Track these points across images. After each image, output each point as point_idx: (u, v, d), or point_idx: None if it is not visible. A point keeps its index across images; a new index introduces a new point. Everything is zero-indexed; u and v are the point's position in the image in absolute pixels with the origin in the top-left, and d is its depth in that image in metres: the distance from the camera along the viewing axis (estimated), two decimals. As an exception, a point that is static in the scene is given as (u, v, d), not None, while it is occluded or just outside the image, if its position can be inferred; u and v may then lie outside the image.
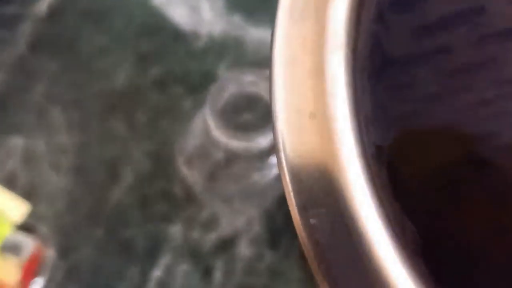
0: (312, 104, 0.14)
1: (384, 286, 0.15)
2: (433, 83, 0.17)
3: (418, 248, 0.16)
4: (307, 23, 0.14)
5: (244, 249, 0.37)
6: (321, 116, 0.14)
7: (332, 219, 0.15)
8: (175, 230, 0.37)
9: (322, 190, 0.14)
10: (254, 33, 0.41)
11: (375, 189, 0.15)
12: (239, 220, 0.38)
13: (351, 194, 0.14)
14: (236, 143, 0.26)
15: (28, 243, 0.35)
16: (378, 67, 0.16)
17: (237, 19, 0.42)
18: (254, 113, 0.29)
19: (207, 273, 0.37)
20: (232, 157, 0.29)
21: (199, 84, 0.40)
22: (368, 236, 0.15)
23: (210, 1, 0.42)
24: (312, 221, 0.14)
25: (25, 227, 0.36)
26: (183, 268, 0.37)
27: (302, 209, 0.15)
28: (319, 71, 0.14)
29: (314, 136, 0.14)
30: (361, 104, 0.15)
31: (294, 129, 0.14)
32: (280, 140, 0.14)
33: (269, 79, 0.14)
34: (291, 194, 0.14)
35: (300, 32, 0.14)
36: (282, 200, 0.37)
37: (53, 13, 0.41)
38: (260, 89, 0.27)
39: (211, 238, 0.37)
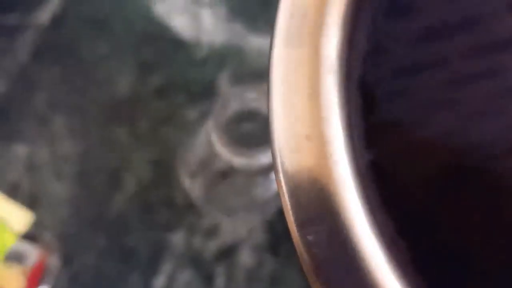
0: (308, 126, 0.15)
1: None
2: (428, 95, 0.17)
3: (413, 260, 0.16)
4: (302, 48, 0.15)
5: (245, 256, 0.37)
6: (316, 138, 0.15)
7: (328, 235, 0.15)
8: (177, 238, 0.38)
9: (319, 208, 0.15)
10: (255, 42, 0.41)
11: (369, 204, 0.15)
12: (241, 227, 0.38)
13: (346, 211, 0.15)
14: (239, 160, 0.26)
15: (32, 252, 0.35)
16: (373, 85, 0.16)
17: (238, 27, 0.42)
18: (257, 129, 0.30)
19: (209, 280, 0.37)
20: (234, 171, 0.29)
21: (200, 93, 0.40)
22: (363, 250, 0.15)
23: (212, 9, 0.42)
24: (309, 237, 0.15)
25: (29, 236, 0.36)
26: (185, 275, 0.37)
27: (300, 226, 0.15)
28: (314, 94, 0.15)
29: (311, 157, 0.15)
30: (355, 121, 0.15)
31: (292, 151, 0.15)
32: (278, 161, 0.15)
33: (267, 104, 0.15)
34: (290, 212, 0.15)
35: (295, 57, 0.15)
36: (282, 211, 0.37)
37: (55, 22, 0.42)
38: (262, 105, 0.27)
39: (213, 245, 0.38)
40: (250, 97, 0.27)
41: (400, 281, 0.15)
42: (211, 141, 0.26)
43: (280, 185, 0.15)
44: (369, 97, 0.16)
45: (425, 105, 0.17)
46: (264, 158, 0.26)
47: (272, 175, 0.29)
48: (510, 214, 0.17)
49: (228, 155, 0.26)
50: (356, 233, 0.15)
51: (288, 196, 0.15)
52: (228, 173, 0.29)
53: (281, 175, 0.15)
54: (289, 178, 0.15)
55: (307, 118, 0.15)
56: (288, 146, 0.15)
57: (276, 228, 0.38)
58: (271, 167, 0.27)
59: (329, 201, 0.15)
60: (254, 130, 0.29)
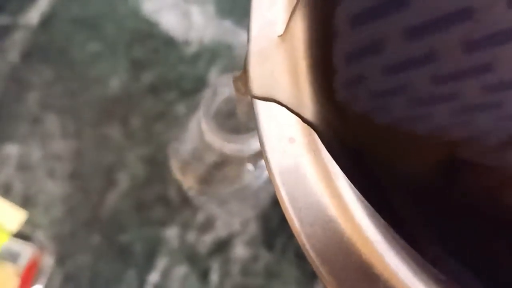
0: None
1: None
2: (417, 90, 0.17)
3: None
4: (275, 40, 0.16)
5: (240, 251, 0.37)
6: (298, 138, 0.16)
7: (313, 214, 0.16)
8: (172, 234, 0.38)
9: (304, 189, 0.16)
10: (245, 37, 0.41)
11: (357, 185, 0.16)
12: (234, 221, 0.38)
13: (332, 188, 0.16)
14: (229, 146, 0.26)
15: (25, 251, 0.35)
16: (357, 77, 0.17)
17: (227, 23, 0.42)
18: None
19: (204, 275, 0.37)
20: (225, 160, 0.29)
21: (191, 89, 0.40)
22: (349, 223, 0.16)
23: (201, 6, 0.42)
24: (302, 212, 0.15)
25: (22, 235, 0.36)
26: (180, 271, 0.37)
27: (292, 200, 0.16)
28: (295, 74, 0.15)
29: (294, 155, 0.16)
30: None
31: (279, 151, 0.16)
32: (269, 159, 0.16)
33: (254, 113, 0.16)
34: (281, 191, 0.15)
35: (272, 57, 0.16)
36: (276, 201, 0.37)
37: (45, 22, 0.42)
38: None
39: (207, 240, 0.38)
40: None
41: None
42: (201, 130, 0.26)
43: (269, 168, 0.16)
44: (355, 87, 0.16)
45: (416, 100, 0.17)
46: (255, 143, 0.26)
47: (262, 162, 0.29)
48: (507, 206, 0.17)
49: (219, 143, 0.26)
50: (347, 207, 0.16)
51: (276, 173, 0.16)
52: (219, 162, 0.29)
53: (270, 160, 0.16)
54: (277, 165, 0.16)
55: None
56: (275, 147, 0.16)
57: (270, 221, 0.38)
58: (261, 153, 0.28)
59: (311, 181, 0.16)
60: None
